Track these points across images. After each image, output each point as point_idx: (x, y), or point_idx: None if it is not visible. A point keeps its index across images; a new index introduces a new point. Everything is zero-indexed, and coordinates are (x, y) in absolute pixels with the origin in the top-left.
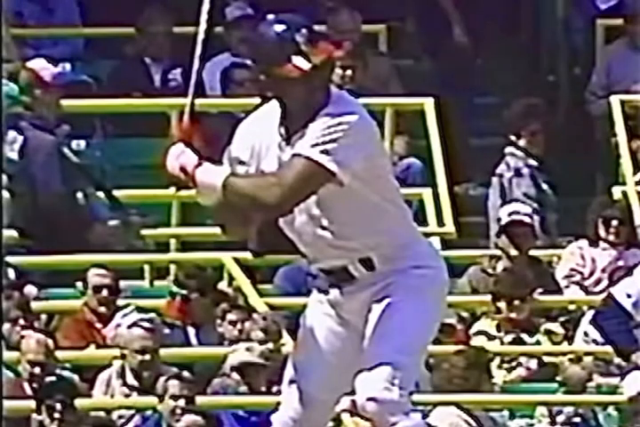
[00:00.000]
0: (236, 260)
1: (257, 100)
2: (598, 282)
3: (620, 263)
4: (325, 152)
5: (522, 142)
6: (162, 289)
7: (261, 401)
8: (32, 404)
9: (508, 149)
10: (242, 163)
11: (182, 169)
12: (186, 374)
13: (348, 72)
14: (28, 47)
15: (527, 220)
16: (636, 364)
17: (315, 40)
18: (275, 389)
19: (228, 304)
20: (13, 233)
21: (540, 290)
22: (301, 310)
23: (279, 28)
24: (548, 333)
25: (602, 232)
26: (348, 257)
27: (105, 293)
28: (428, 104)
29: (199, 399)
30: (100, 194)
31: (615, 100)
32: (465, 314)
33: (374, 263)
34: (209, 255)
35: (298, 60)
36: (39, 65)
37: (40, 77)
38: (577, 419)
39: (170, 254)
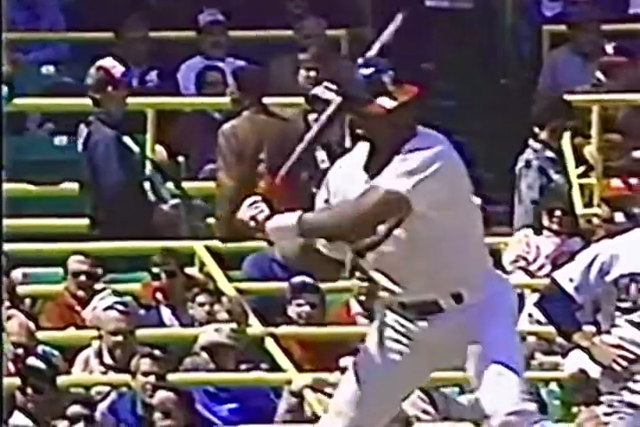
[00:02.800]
0: (207, 247)
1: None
2: (542, 267)
3: (563, 250)
4: (401, 179)
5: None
6: (138, 274)
7: (230, 378)
8: (17, 381)
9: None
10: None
11: (253, 218)
12: (157, 352)
13: (312, 73)
14: (17, 51)
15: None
16: (576, 343)
17: (400, 81)
18: (242, 367)
19: (199, 288)
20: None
21: None
22: (267, 295)
23: (368, 70)
24: None
25: (545, 221)
26: (440, 290)
27: (83, 278)
28: None
29: (172, 376)
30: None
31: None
32: None
33: (464, 297)
34: (181, 243)
35: (384, 100)
36: (110, 64)
37: (112, 75)
38: None
39: (145, 242)
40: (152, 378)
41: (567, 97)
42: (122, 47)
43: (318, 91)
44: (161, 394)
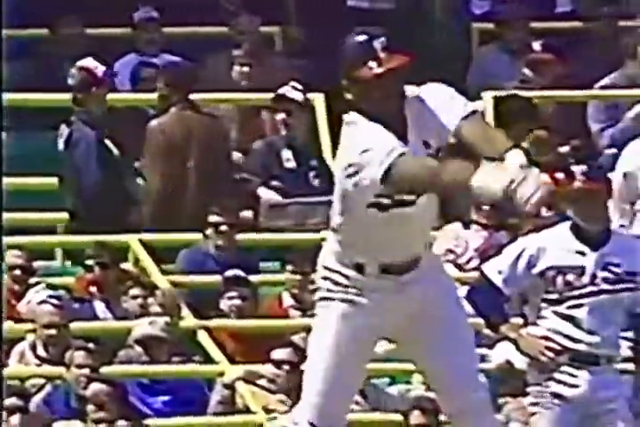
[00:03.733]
0: (141, 241)
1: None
2: (470, 260)
3: (491, 243)
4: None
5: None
6: (72, 268)
7: (163, 371)
8: None
9: None
10: None
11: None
12: (91, 345)
13: (245, 69)
14: None
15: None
16: (503, 335)
17: (390, 49)
18: (175, 359)
19: (132, 281)
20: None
21: None
22: (200, 288)
23: (361, 37)
24: None
25: (474, 215)
26: (427, 242)
27: (18, 272)
28: (318, 100)
29: (106, 369)
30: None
31: (488, 96)
32: None
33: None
34: (116, 237)
35: (373, 65)
36: (92, 64)
37: (94, 75)
38: None
39: (80, 237)
40: (86, 371)
41: (495, 93)
42: (57, 44)
43: (284, 90)
44: (94, 386)
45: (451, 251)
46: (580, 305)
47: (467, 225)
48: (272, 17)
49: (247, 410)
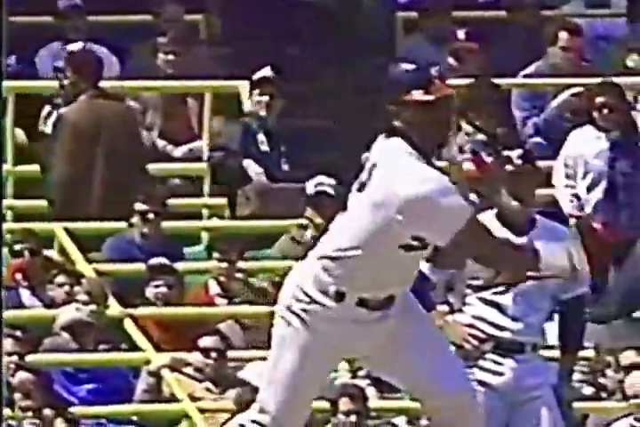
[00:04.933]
0: (67, 230)
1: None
2: None
3: None
4: None
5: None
6: None
7: (88, 359)
8: None
9: None
10: None
11: None
12: (18, 333)
13: (171, 57)
14: None
15: (330, 191)
16: None
17: (443, 77)
18: (101, 348)
19: (59, 269)
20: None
21: None
22: (125, 276)
23: (411, 65)
24: None
25: None
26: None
27: None
28: (242, 87)
29: (31, 357)
30: None
31: None
32: (277, 278)
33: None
34: (42, 225)
35: (422, 92)
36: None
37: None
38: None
39: (6, 224)
40: (14, 358)
41: None
42: None
43: (266, 72)
44: (20, 375)
45: None
46: (505, 291)
47: None
48: (196, 5)
49: (173, 398)
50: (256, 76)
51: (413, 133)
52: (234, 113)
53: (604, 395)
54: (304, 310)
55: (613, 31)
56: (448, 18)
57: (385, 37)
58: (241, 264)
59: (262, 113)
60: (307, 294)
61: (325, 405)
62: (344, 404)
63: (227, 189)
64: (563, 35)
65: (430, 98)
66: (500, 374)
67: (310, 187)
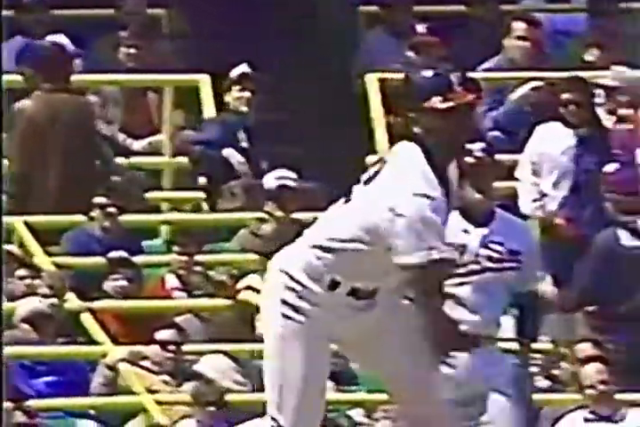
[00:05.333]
0: (26, 223)
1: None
2: None
3: None
4: None
5: None
6: None
7: (46, 352)
8: None
9: None
10: None
11: None
12: None
13: (132, 50)
14: None
15: (292, 184)
16: None
17: (465, 84)
18: (59, 341)
19: (18, 263)
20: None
21: None
22: (84, 269)
23: (432, 70)
24: None
25: None
26: None
27: None
28: (203, 81)
29: None
30: None
31: (372, 78)
32: (235, 271)
33: None
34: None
35: (442, 99)
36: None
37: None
38: (332, 366)
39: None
40: None
41: (381, 75)
42: None
43: (244, 68)
44: None
45: None
46: (463, 283)
47: None
48: None
49: (130, 391)
50: (236, 73)
51: (431, 140)
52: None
53: (558, 387)
54: (300, 298)
55: (573, 26)
56: (409, 12)
57: (347, 31)
58: (200, 257)
59: (243, 109)
60: (297, 281)
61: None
62: None
63: (207, 182)
64: (519, 25)
65: (449, 105)
66: (456, 366)
67: (271, 180)
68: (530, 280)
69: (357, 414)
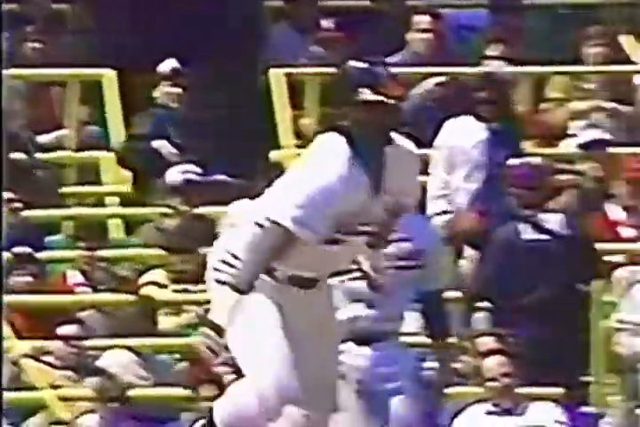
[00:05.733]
0: None
1: None
2: None
3: None
4: None
5: None
6: None
7: None
8: None
9: None
10: None
11: None
12: None
13: (37, 45)
14: None
15: (197, 178)
16: None
17: (391, 77)
18: None
19: None
20: None
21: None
22: None
23: (363, 62)
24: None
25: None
26: None
27: None
28: (108, 77)
29: None
30: None
31: (278, 73)
32: (138, 266)
33: None
34: None
35: (371, 91)
36: None
37: None
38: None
39: None
40: None
41: (285, 70)
42: None
43: (172, 63)
44: None
45: None
46: (358, 278)
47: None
48: None
49: (33, 386)
50: (165, 68)
51: (358, 132)
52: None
53: (460, 380)
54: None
55: (477, 21)
56: (314, 6)
57: (252, 25)
58: (103, 253)
59: (173, 105)
60: (237, 258)
61: (185, 392)
62: (208, 391)
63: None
64: (422, 18)
65: (380, 98)
66: (357, 362)
67: (175, 175)
68: (434, 279)
69: None
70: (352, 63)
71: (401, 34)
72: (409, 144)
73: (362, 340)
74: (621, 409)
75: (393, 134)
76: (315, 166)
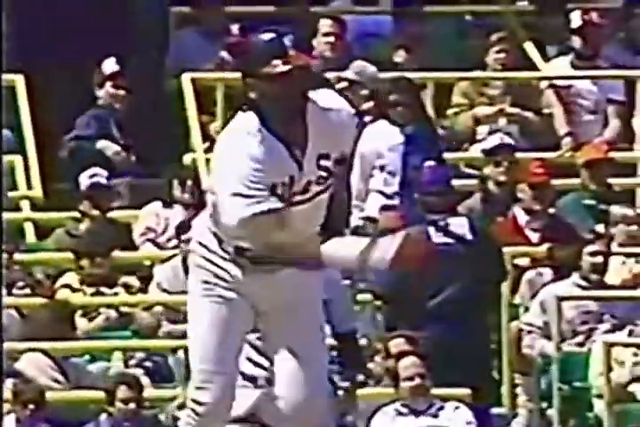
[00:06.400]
0: None
1: None
2: (171, 239)
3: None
4: None
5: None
6: None
7: None
8: None
9: None
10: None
11: None
12: None
13: None
14: None
15: (104, 181)
16: None
17: (300, 47)
18: None
19: None
20: None
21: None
22: None
23: (268, 34)
24: (126, 286)
25: (177, 193)
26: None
27: None
28: (19, 81)
29: None
30: None
31: (186, 78)
32: (51, 271)
33: None
34: None
35: (279, 62)
36: None
37: None
38: (148, 363)
39: None
40: None
41: (193, 75)
42: None
43: (113, 65)
44: None
45: (151, 229)
46: None
47: (168, 204)
48: None
49: None
50: (110, 70)
51: (266, 105)
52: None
53: (372, 381)
54: (209, 261)
55: (381, 28)
56: (221, 13)
57: (159, 31)
58: (18, 256)
59: (117, 106)
60: (210, 250)
61: (99, 394)
62: (122, 392)
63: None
64: (324, 22)
65: (286, 68)
66: (262, 366)
67: (84, 179)
68: (344, 321)
69: (174, 409)
70: (259, 36)
71: (307, 39)
72: (329, 101)
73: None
74: (530, 410)
75: (311, 94)
76: (229, 153)
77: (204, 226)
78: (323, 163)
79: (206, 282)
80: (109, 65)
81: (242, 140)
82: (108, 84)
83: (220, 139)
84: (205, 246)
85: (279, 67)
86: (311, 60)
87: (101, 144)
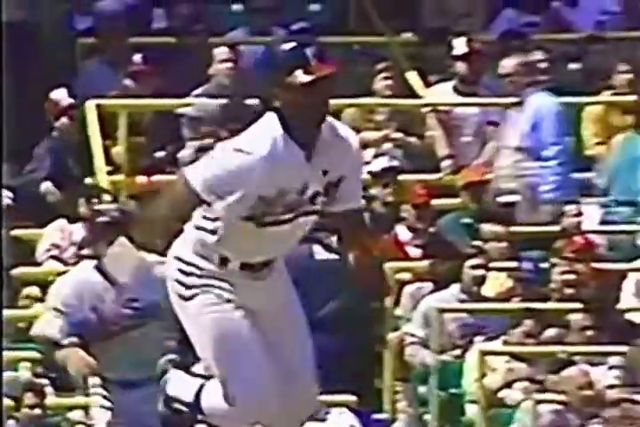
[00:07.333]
0: None
1: None
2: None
3: None
4: None
5: None
6: None
7: None
8: None
9: None
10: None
11: None
12: None
13: None
14: None
15: (10, 202)
16: None
17: (320, 58)
18: None
19: None
20: None
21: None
22: None
23: (291, 43)
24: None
25: (83, 210)
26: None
27: None
28: None
29: None
30: None
31: (90, 105)
32: None
33: None
34: None
35: (301, 72)
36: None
37: None
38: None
39: None
40: None
41: (98, 102)
42: None
43: (63, 96)
44: None
45: (55, 245)
46: None
47: (72, 220)
48: None
49: None
50: (64, 101)
51: (292, 114)
52: None
53: None
54: (198, 277)
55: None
56: (125, 42)
57: (65, 62)
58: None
59: (73, 137)
60: (190, 264)
61: (7, 402)
62: (29, 398)
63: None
64: (220, 49)
65: (310, 79)
66: None
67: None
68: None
69: (78, 416)
70: (282, 46)
71: (205, 66)
72: (341, 126)
73: None
74: (409, 415)
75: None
76: (244, 143)
77: (188, 244)
78: (325, 178)
79: (214, 303)
80: (62, 97)
81: (265, 142)
82: (65, 115)
83: (240, 138)
84: (195, 265)
85: (301, 77)
86: (334, 69)
87: (45, 187)
